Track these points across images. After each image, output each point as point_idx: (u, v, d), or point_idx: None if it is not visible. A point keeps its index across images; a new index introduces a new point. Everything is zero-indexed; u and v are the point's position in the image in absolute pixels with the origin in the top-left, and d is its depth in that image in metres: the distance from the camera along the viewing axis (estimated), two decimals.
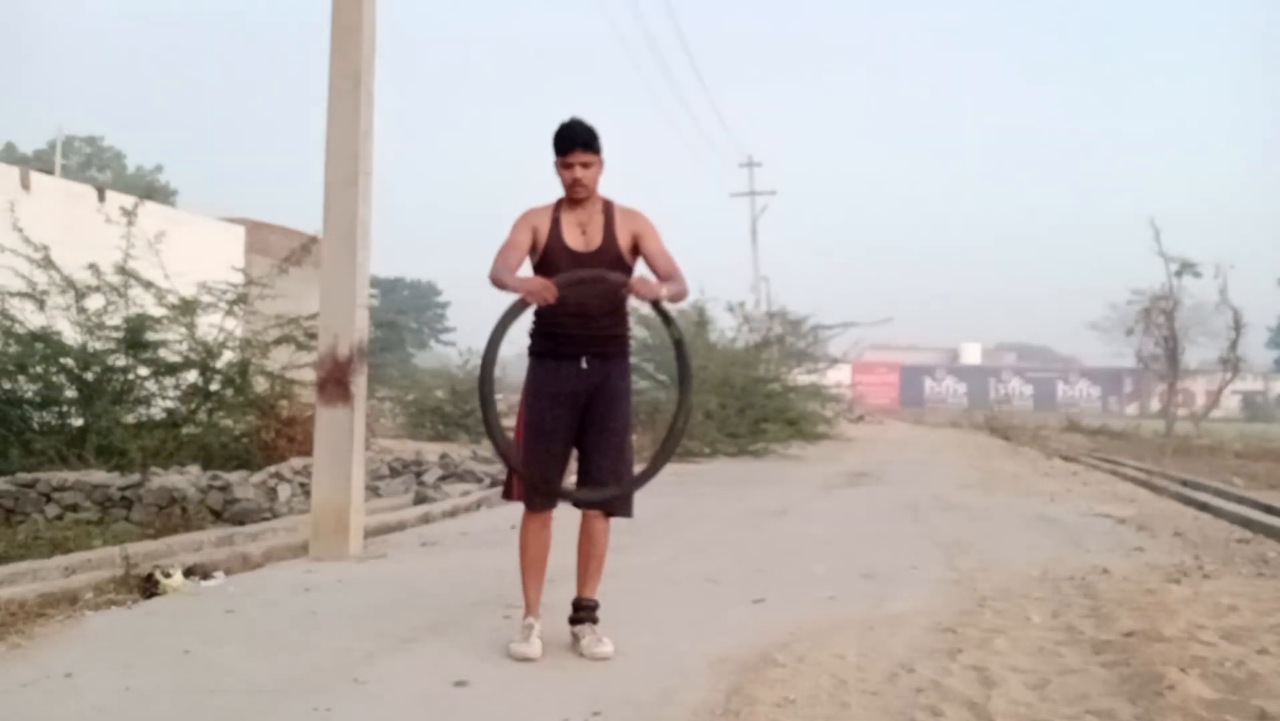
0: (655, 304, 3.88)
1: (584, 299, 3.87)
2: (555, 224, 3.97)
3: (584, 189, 3.94)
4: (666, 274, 3.93)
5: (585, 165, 3.92)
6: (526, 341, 4.08)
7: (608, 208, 4.02)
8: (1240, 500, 9.47)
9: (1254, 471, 12.92)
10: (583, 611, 4.07)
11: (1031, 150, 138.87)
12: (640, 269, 4.06)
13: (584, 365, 3.96)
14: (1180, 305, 25.36)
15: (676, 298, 3.92)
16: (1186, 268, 24.28)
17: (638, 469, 4.01)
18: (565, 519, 4.09)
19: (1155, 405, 35.73)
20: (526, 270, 3.98)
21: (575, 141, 3.91)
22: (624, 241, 3.98)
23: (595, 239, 3.96)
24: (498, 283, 3.80)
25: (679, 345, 4.08)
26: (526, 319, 3.91)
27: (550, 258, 3.94)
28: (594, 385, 3.97)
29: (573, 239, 3.96)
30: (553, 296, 3.65)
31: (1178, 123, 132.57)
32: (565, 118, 3.97)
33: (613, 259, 3.95)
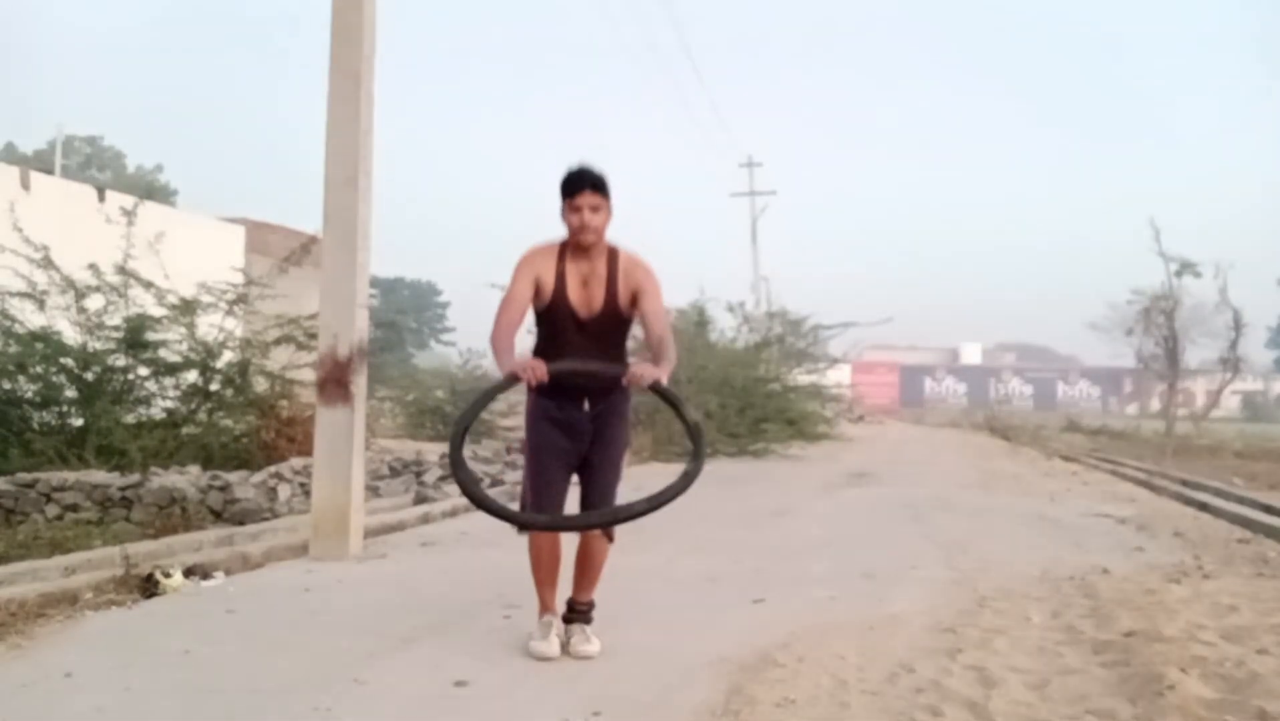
0: (655, 388, 3.70)
1: (585, 353, 3.84)
2: (560, 277, 3.88)
3: (592, 233, 3.83)
4: (658, 338, 3.86)
5: (594, 208, 3.82)
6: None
7: (612, 258, 3.92)
8: (1240, 500, 9.48)
9: (1254, 471, 12.93)
10: (575, 612, 4.07)
11: (1032, 150, 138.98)
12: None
13: (586, 408, 3.94)
14: (1180, 305, 25.27)
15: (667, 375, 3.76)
16: (1186, 268, 24.18)
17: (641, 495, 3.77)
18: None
19: (1155, 405, 35.66)
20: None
21: (584, 182, 3.82)
22: (624, 299, 3.90)
23: (597, 298, 3.88)
24: (494, 350, 3.78)
25: (695, 430, 3.75)
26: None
27: (553, 317, 3.90)
28: (597, 414, 3.96)
29: (576, 296, 3.88)
30: (544, 377, 3.65)
31: (1178, 122, 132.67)
32: (574, 164, 3.88)
33: (613, 322, 3.92)
